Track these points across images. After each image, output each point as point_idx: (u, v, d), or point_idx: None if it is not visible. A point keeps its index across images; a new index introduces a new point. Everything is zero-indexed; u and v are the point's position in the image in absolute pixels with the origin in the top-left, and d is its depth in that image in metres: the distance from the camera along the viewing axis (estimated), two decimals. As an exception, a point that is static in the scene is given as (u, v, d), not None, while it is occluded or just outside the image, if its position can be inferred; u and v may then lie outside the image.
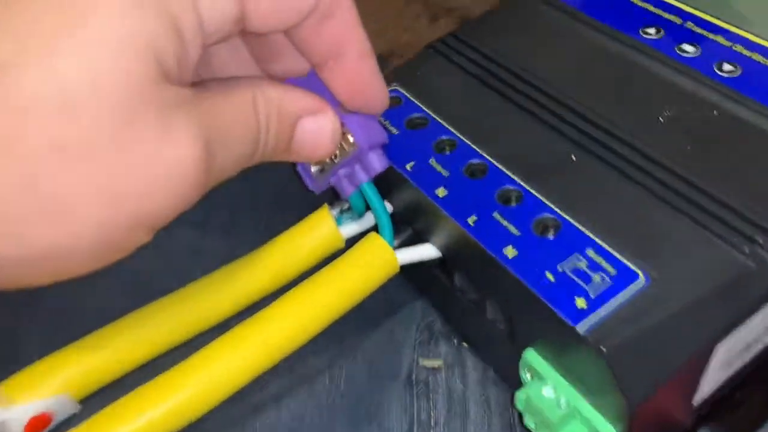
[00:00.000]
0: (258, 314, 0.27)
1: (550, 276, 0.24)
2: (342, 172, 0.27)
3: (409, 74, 0.32)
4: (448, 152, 0.29)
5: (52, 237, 0.17)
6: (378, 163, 0.27)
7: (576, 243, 0.25)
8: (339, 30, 0.22)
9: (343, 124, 0.25)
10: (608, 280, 0.23)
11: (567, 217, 0.25)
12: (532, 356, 0.25)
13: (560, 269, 0.24)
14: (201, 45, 0.19)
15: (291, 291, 0.27)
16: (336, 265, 0.28)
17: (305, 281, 0.28)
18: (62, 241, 0.18)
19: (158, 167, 0.18)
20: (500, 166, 0.27)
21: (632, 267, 0.24)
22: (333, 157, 0.27)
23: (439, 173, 0.28)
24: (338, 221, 0.31)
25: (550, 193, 0.26)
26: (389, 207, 0.30)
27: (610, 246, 0.24)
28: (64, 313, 0.31)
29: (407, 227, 0.30)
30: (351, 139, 0.26)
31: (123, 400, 0.25)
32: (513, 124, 0.29)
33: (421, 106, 0.30)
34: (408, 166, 0.28)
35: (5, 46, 0.16)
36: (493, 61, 0.31)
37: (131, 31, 0.17)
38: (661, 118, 0.28)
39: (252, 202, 0.37)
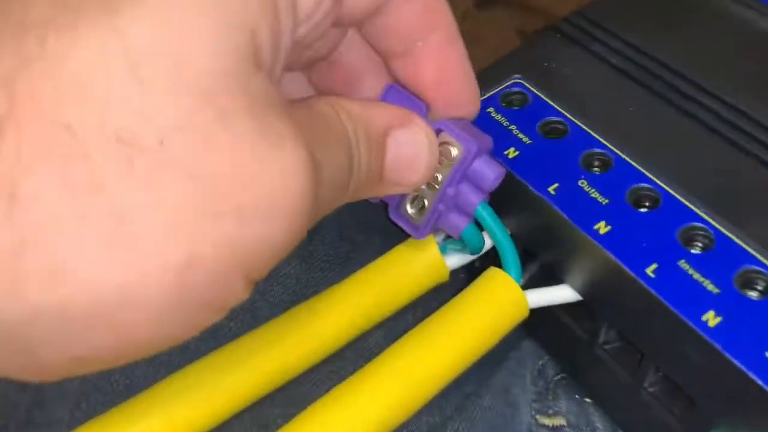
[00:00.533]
0: (371, 366, 0.21)
1: (769, 354, 0.18)
2: (446, 203, 0.21)
3: (531, 63, 0.26)
4: (601, 171, 0.22)
5: (114, 276, 0.12)
6: (490, 171, 0.21)
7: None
8: (422, 9, 0.19)
9: (439, 130, 0.20)
10: None
11: (779, 270, 0.19)
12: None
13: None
14: (292, 31, 0.15)
15: (405, 339, 0.22)
16: (456, 307, 0.22)
17: (419, 327, 0.22)
18: (127, 281, 0.12)
19: (259, 178, 0.13)
20: (676, 194, 0.21)
21: None
22: (433, 181, 0.21)
23: (595, 200, 0.21)
24: (442, 249, 0.24)
25: (754, 237, 0.20)
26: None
27: None
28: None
29: (534, 260, 0.24)
30: (453, 152, 0.20)
31: None
32: (680, 136, 0.23)
33: (556, 106, 0.24)
34: (551, 189, 0.22)
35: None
36: (643, 53, 0.25)
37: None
38: None
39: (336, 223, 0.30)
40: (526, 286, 0.23)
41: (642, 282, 0.20)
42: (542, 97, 0.24)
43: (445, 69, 0.20)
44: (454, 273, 0.25)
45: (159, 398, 0.21)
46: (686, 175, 0.22)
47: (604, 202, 0.21)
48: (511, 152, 0.23)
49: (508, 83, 0.25)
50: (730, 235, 0.20)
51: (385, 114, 0.18)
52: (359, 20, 0.19)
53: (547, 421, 0.25)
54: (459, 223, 0.22)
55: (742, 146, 0.22)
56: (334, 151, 0.16)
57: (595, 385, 0.25)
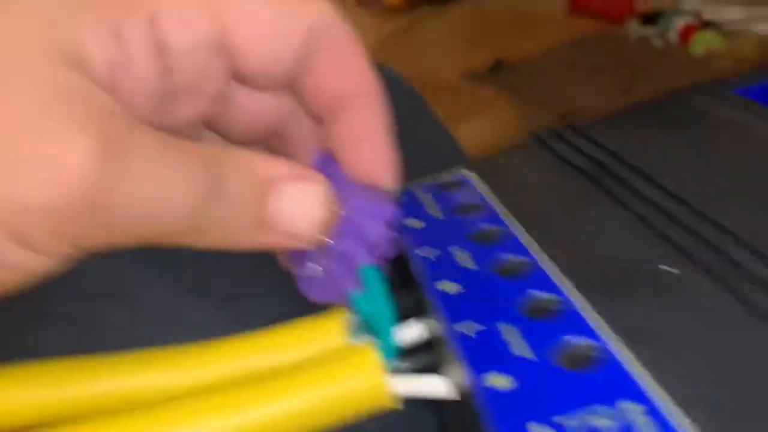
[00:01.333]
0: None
1: (536, 429, 0.13)
2: (335, 262, 0.20)
3: (490, 161, 0.24)
4: (486, 243, 0.19)
5: None
6: (374, 229, 0.19)
7: (614, 386, 0.14)
8: (344, 71, 0.20)
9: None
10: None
11: (615, 348, 0.15)
12: None
13: (561, 422, 0.13)
14: (161, 63, 0.17)
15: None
16: (303, 372, 0.20)
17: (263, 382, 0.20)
18: None
19: (35, 151, 0.14)
20: (546, 267, 0.18)
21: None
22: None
23: (461, 266, 0.19)
24: (356, 333, 0.22)
25: (607, 311, 0.16)
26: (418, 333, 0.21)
27: (675, 412, 0.13)
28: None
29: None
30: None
31: None
32: (608, 231, 0.19)
33: (485, 195, 0.22)
34: (421, 251, 0.20)
35: None
36: (611, 153, 0.22)
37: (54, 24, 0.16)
38: None
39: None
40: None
41: (452, 336, 0.16)
42: (476, 186, 0.22)
43: (360, 138, 0.20)
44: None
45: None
46: (565, 248, 0.18)
47: (468, 268, 0.18)
48: (416, 223, 0.21)
49: (456, 174, 0.24)
50: (580, 307, 0.16)
51: (281, 166, 0.18)
52: (278, 81, 0.20)
53: None
54: (345, 282, 0.20)
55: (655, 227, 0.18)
56: (176, 168, 0.16)
57: None
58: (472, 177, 0.23)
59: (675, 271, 0.17)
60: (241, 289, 0.27)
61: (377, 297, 0.20)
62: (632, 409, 0.13)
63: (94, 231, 0.15)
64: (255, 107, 0.21)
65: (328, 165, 0.20)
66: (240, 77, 0.19)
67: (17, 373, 0.22)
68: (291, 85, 0.20)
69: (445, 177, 0.24)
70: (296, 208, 0.18)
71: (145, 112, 0.18)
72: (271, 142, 0.22)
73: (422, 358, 0.19)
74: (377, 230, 0.19)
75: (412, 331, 0.20)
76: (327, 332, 0.22)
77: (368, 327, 0.21)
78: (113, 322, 0.25)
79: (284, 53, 0.19)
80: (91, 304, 0.25)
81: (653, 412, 0.13)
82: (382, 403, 0.19)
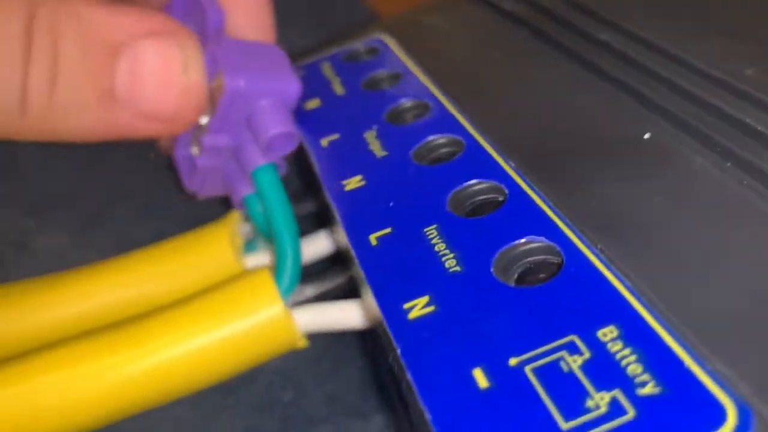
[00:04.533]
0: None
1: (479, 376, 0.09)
2: (224, 157, 0.15)
3: (412, 19, 0.19)
4: (406, 122, 0.15)
5: None
6: (272, 124, 0.14)
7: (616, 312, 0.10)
8: None
9: (214, 60, 0.14)
10: (631, 413, 0.08)
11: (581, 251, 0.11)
12: None
13: (516, 364, 0.09)
14: None
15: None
16: (191, 308, 0.15)
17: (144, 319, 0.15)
18: None
19: None
20: (486, 145, 0.13)
21: (713, 390, 0.08)
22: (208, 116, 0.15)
23: (371, 153, 0.14)
24: (249, 246, 0.18)
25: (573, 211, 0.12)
26: (325, 246, 0.16)
27: (661, 320, 0.09)
28: None
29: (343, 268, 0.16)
30: (222, 81, 0.14)
31: None
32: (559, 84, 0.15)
33: (401, 60, 0.17)
34: (323, 141, 0.15)
35: None
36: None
37: None
38: None
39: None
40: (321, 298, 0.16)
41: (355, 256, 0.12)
42: (394, 51, 0.18)
43: None
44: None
45: None
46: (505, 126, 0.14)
47: (379, 155, 0.14)
48: (313, 103, 0.17)
49: (365, 40, 0.19)
50: (529, 193, 0.12)
51: (127, 22, 0.14)
52: None
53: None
54: (239, 187, 0.16)
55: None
56: None
57: None
58: (389, 41, 0.18)
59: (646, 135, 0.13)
60: (137, 221, 0.22)
61: (271, 204, 0.15)
62: (607, 332, 0.09)
63: None
64: None
65: (190, 4, 0.15)
66: None
67: None
68: None
69: (355, 44, 0.19)
70: (153, 74, 0.14)
71: None
72: None
73: (329, 280, 0.15)
74: (272, 117, 0.15)
75: (316, 246, 0.16)
76: (217, 248, 0.18)
77: (264, 237, 0.17)
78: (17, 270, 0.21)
79: None
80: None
81: (632, 325, 0.09)
82: (285, 340, 0.15)
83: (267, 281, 0.15)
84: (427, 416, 0.09)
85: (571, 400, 0.09)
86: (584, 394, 0.09)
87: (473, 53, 0.17)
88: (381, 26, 0.19)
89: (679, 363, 0.09)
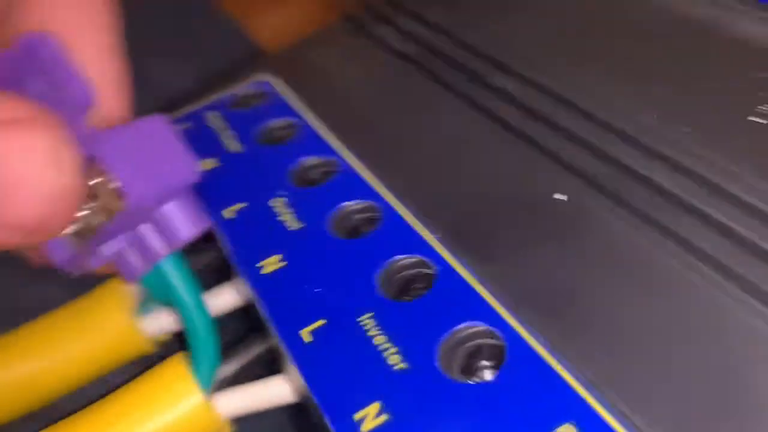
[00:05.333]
0: None
1: None
2: (116, 243, 0.14)
3: (297, 56, 0.19)
4: (316, 185, 0.14)
5: None
6: (184, 225, 0.13)
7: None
8: None
9: (97, 160, 0.12)
10: None
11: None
12: None
13: None
14: None
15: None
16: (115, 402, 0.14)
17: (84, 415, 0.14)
18: None
19: None
20: (403, 216, 0.13)
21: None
22: (95, 210, 0.13)
23: (284, 225, 0.14)
24: (143, 308, 0.17)
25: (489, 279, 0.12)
26: (230, 301, 0.15)
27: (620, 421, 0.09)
28: None
29: (260, 341, 0.15)
30: (112, 186, 0.13)
31: None
32: (455, 132, 0.15)
33: (294, 107, 0.17)
34: (227, 212, 0.14)
35: None
36: (440, 31, 0.17)
37: None
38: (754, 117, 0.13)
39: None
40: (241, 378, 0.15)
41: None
42: (284, 96, 0.17)
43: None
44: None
45: None
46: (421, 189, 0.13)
47: (294, 227, 0.13)
48: (209, 163, 0.16)
49: (251, 83, 0.18)
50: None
51: None
52: None
53: None
54: (135, 268, 0.15)
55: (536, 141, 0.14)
56: None
57: None
58: (275, 83, 0.18)
59: (561, 197, 0.13)
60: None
61: (183, 298, 0.14)
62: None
63: None
64: None
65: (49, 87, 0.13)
66: None
67: None
68: None
69: (243, 88, 0.18)
70: (11, 175, 0.11)
71: None
72: None
73: (247, 353, 0.14)
74: (180, 218, 0.13)
75: (221, 300, 0.15)
76: (112, 314, 0.17)
77: (157, 299, 0.16)
78: None
79: None
80: None
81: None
82: (211, 428, 0.14)
83: (183, 372, 0.14)
84: None
85: None
86: None
87: (367, 97, 0.17)
88: (264, 65, 0.18)
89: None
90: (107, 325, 0.17)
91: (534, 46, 0.16)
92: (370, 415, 0.10)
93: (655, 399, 0.10)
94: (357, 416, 0.10)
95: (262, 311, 0.12)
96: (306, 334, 0.11)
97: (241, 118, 0.17)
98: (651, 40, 0.15)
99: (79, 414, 0.15)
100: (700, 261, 0.11)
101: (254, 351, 0.15)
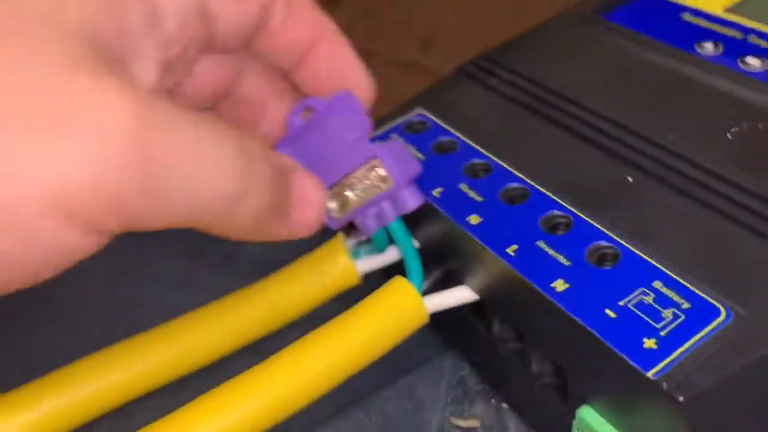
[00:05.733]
0: (265, 363, 0.23)
1: (610, 313, 0.20)
2: (368, 212, 0.24)
3: (434, 97, 0.29)
4: (481, 177, 0.25)
5: None
6: (412, 200, 0.23)
7: (640, 274, 0.20)
8: (304, 20, 0.22)
9: (373, 157, 0.23)
10: (682, 317, 0.19)
11: (627, 245, 0.21)
12: (588, 414, 0.21)
13: (623, 304, 0.20)
14: (159, 34, 0.17)
15: (303, 338, 0.23)
16: (355, 312, 0.24)
17: (319, 328, 0.24)
18: None
19: (69, 107, 0.14)
20: (544, 191, 0.24)
21: (711, 300, 0.19)
22: (357, 193, 0.24)
23: (472, 199, 0.24)
24: (355, 254, 0.27)
25: (606, 219, 0.22)
26: (416, 244, 0.26)
27: (682, 277, 0.20)
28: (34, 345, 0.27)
29: (437, 267, 0.26)
30: (383, 173, 0.23)
31: None
32: (557, 146, 0.25)
33: (449, 129, 0.27)
34: (435, 192, 0.25)
35: None
36: (532, 82, 0.28)
37: None
38: (728, 134, 0.24)
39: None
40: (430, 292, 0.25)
41: (503, 261, 0.22)
42: (438, 122, 0.27)
43: (338, 68, 0.23)
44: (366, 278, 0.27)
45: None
46: (552, 174, 0.24)
47: (479, 200, 0.24)
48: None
49: (413, 115, 0.28)
50: (587, 218, 0.22)
51: (281, 156, 0.22)
52: (241, 41, 0.21)
53: (461, 423, 0.26)
54: (372, 226, 0.25)
55: (605, 146, 0.24)
56: (215, 145, 0.17)
57: (504, 386, 0.27)
58: (428, 116, 0.28)
59: (629, 179, 0.24)
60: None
61: (403, 243, 0.24)
62: (658, 285, 0.20)
63: (140, 208, 0.15)
64: (212, 71, 0.22)
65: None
66: (211, 42, 0.20)
67: (84, 364, 0.24)
68: (249, 44, 0.22)
69: (408, 117, 0.28)
70: (315, 193, 0.21)
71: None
72: (221, 106, 0.23)
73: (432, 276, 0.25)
74: (411, 194, 0.23)
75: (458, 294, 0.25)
76: (332, 258, 0.27)
77: (378, 247, 0.26)
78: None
79: (250, 13, 0.20)
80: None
81: (669, 282, 0.20)
82: (422, 320, 0.24)
83: (410, 288, 0.24)
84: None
85: (655, 316, 0.19)
86: (659, 312, 0.19)
87: (494, 124, 0.27)
88: (416, 102, 0.29)
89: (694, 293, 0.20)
90: (333, 266, 0.27)
91: (597, 88, 0.27)
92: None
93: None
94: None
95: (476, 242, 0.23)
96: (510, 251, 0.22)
97: (416, 138, 0.27)
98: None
99: (329, 324, 0.24)
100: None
101: (433, 276, 0.25)
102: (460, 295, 0.24)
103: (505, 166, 0.25)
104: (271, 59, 0.23)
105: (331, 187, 0.24)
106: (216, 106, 0.23)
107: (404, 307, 0.24)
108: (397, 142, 0.24)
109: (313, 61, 0.23)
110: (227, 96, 0.23)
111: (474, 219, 0.23)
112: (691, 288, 0.20)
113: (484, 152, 0.26)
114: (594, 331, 0.19)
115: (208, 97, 0.23)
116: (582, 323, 0.20)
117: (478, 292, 0.24)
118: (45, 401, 0.23)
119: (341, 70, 0.23)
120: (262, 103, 0.24)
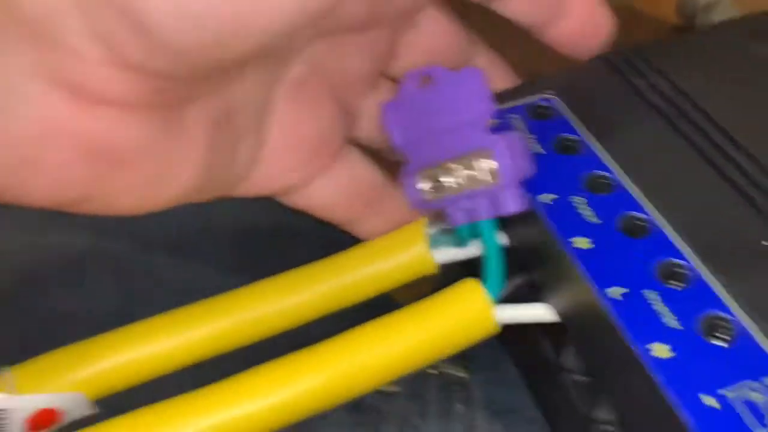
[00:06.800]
0: (308, 349, 0.21)
1: (706, 399, 0.17)
2: (461, 203, 0.22)
3: (568, 83, 0.26)
4: (601, 193, 0.22)
5: None
6: (513, 203, 0.21)
7: (756, 362, 0.18)
8: None
9: (486, 147, 0.20)
10: (794, 430, 0.17)
11: (748, 323, 0.18)
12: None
13: (724, 394, 0.17)
14: None
15: (357, 328, 0.21)
16: (416, 309, 0.22)
17: (375, 320, 0.22)
18: None
19: None
20: (668, 230, 0.21)
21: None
22: (458, 180, 0.21)
23: (585, 218, 0.21)
24: (434, 242, 0.24)
25: (730, 285, 0.19)
26: (504, 240, 0.23)
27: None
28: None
29: (522, 273, 0.23)
30: (492, 166, 0.20)
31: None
32: (695, 179, 0.22)
33: (576, 126, 0.24)
34: (546, 198, 0.22)
35: None
36: (683, 95, 0.24)
37: None
38: None
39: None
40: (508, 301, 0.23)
41: (602, 302, 0.19)
42: (566, 114, 0.24)
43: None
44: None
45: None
46: (683, 213, 0.21)
47: (592, 221, 0.21)
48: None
49: (539, 98, 0.25)
50: (710, 278, 0.19)
51: None
52: None
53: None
54: (459, 218, 0.22)
55: (752, 198, 0.21)
56: None
57: (551, 408, 0.25)
58: (557, 102, 0.25)
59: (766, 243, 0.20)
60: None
61: (488, 241, 0.22)
62: (773, 384, 0.17)
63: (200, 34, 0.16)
64: None
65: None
66: None
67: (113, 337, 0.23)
68: None
69: (530, 98, 0.25)
70: None
71: None
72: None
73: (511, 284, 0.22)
74: (512, 196, 0.21)
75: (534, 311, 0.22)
76: (410, 243, 0.25)
77: (462, 239, 0.23)
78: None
79: None
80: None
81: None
82: (490, 330, 0.22)
83: (482, 291, 0.22)
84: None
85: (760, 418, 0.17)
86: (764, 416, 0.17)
87: (627, 131, 0.24)
88: (546, 83, 0.25)
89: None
90: (410, 252, 0.25)
91: (755, 121, 0.23)
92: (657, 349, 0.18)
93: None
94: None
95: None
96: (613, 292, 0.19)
97: (538, 126, 0.24)
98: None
99: (389, 316, 0.22)
100: None
101: (516, 282, 0.23)
102: (540, 313, 0.22)
103: (630, 187, 0.22)
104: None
105: (431, 166, 0.22)
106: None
107: (472, 314, 0.22)
108: (517, 135, 0.21)
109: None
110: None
111: (581, 242, 0.21)
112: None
113: (610, 164, 0.23)
114: (680, 414, 0.17)
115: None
116: (672, 403, 0.17)
117: (561, 316, 0.22)
118: (105, 358, 0.22)
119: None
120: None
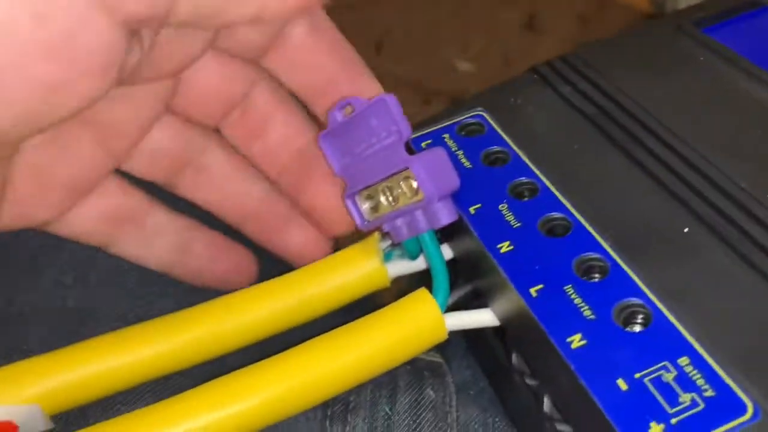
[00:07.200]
0: (269, 360, 0.22)
1: (622, 384, 0.18)
2: (399, 219, 0.23)
3: (499, 98, 0.27)
4: (524, 199, 0.23)
5: None
6: (445, 215, 0.22)
7: (668, 345, 0.18)
8: (327, 46, 0.24)
9: (407, 167, 0.22)
10: (701, 405, 0.17)
11: (662, 309, 0.19)
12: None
13: (638, 377, 0.18)
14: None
15: (314, 340, 0.22)
16: (372, 320, 0.23)
17: (331, 332, 0.23)
18: None
19: None
20: (587, 226, 0.22)
21: (739, 393, 0.17)
22: (390, 199, 0.23)
23: (508, 223, 0.22)
24: (387, 257, 0.26)
25: (646, 273, 0.20)
26: (448, 253, 0.24)
27: (713, 358, 0.18)
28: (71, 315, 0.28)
29: (467, 282, 0.24)
30: (414, 185, 0.22)
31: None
32: (618, 177, 0.23)
33: (506, 137, 0.25)
34: (472, 209, 0.23)
35: None
36: (608, 98, 0.25)
37: None
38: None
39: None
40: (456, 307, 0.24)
41: (523, 300, 0.20)
42: (496, 128, 0.25)
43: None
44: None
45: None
46: (602, 209, 0.22)
47: (515, 225, 0.22)
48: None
49: (469, 115, 0.26)
50: (626, 268, 0.20)
51: None
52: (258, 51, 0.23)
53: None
54: (402, 234, 0.23)
55: (671, 189, 0.22)
56: None
57: (516, 416, 0.25)
58: (486, 118, 0.26)
59: (686, 231, 0.21)
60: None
61: (432, 255, 0.23)
62: (684, 362, 0.18)
63: None
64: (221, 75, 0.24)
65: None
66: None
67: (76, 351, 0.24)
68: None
69: (460, 117, 0.26)
70: None
71: None
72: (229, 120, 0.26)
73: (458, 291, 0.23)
74: (443, 209, 0.22)
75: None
76: (364, 258, 0.26)
77: (408, 252, 0.25)
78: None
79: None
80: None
81: (697, 361, 0.18)
82: (440, 337, 0.23)
83: (432, 301, 0.23)
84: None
85: (670, 398, 0.17)
86: (677, 394, 0.17)
87: (551, 138, 0.25)
88: (476, 101, 0.27)
89: (721, 380, 0.17)
90: (363, 267, 0.26)
91: (679, 118, 0.24)
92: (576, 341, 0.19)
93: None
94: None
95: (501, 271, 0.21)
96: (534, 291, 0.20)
97: (467, 142, 0.25)
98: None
99: (344, 327, 0.23)
100: None
101: (463, 290, 0.24)
102: (483, 318, 0.23)
103: (553, 190, 0.23)
104: (288, 78, 0.24)
105: (367, 188, 0.23)
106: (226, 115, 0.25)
107: (423, 322, 0.23)
108: (437, 152, 0.22)
109: (333, 93, 0.24)
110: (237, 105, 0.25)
111: (505, 246, 0.21)
112: (720, 373, 0.18)
113: (535, 170, 0.24)
114: (598, 402, 0.18)
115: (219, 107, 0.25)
116: (588, 389, 0.18)
117: (500, 320, 0.23)
118: (63, 371, 0.23)
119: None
120: (269, 117, 0.25)
